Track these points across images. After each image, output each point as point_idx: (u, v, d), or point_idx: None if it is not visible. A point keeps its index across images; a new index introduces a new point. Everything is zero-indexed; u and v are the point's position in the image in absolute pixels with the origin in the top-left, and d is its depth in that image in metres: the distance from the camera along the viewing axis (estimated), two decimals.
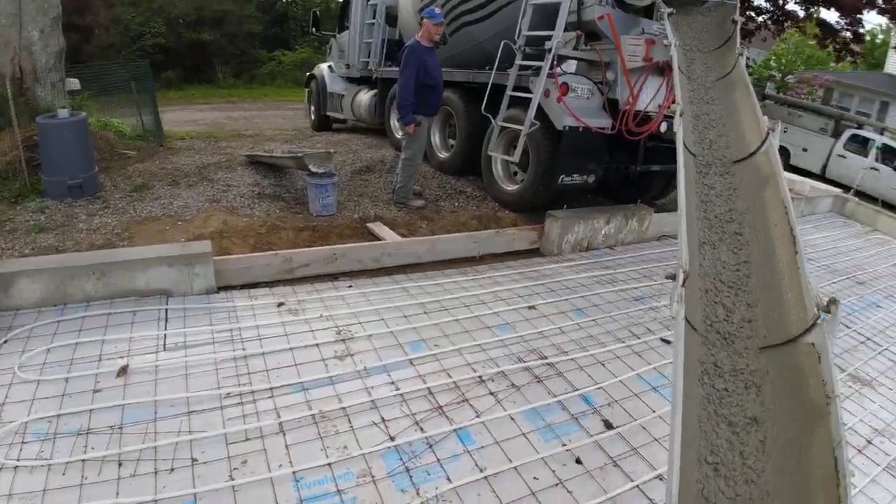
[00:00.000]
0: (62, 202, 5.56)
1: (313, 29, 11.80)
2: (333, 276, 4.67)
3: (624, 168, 6.12)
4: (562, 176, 5.65)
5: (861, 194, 10.72)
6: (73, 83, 8.54)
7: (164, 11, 22.58)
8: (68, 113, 5.73)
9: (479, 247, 5.34)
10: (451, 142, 7.49)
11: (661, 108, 5.78)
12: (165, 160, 7.52)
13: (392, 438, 2.85)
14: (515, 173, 6.43)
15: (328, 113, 11.57)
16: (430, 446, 2.83)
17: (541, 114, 5.50)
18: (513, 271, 5.07)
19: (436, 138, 7.60)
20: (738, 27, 5.08)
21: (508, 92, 5.87)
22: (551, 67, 5.36)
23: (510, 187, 6.35)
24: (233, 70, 24.97)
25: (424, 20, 5.74)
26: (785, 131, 16.44)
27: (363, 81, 10.27)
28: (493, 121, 6.16)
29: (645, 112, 5.74)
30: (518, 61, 5.82)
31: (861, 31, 15.39)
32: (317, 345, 3.59)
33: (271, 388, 3.12)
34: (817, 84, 20.59)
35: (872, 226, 8.76)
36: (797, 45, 23.32)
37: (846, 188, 10.79)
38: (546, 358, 3.73)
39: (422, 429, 2.95)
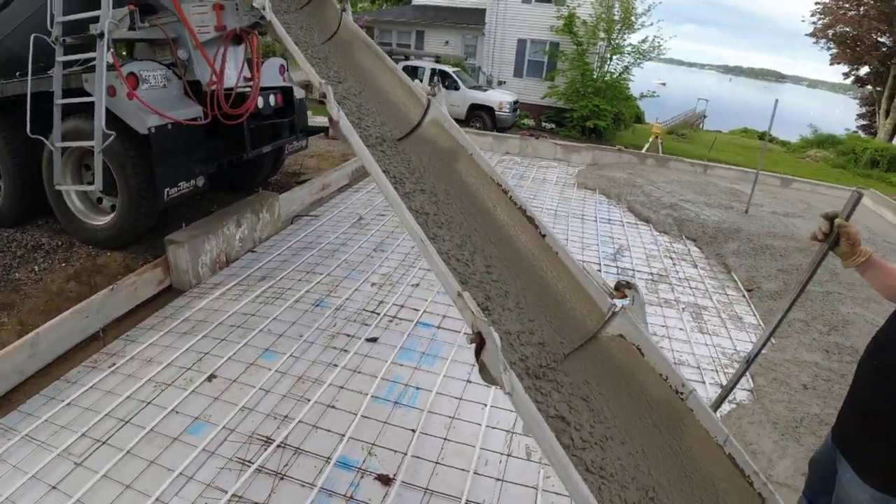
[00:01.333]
0: None
1: None
2: None
3: (235, 160, 5.19)
4: (166, 189, 4.47)
5: None
6: None
7: None
8: None
9: (96, 320, 3.94)
10: None
11: (254, 82, 5.04)
12: None
13: None
14: (100, 200, 4.94)
15: None
16: None
17: (112, 119, 4.19)
18: (157, 333, 3.90)
19: None
20: None
21: (58, 101, 4.32)
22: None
23: (100, 221, 4.85)
24: None
25: None
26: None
27: None
28: (47, 143, 4.51)
29: (236, 90, 4.92)
30: (59, 58, 4.29)
31: None
32: None
33: None
34: (360, 24, 21.82)
35: None
36: None
37: None
38: (279, 442, 2.87)
39: None
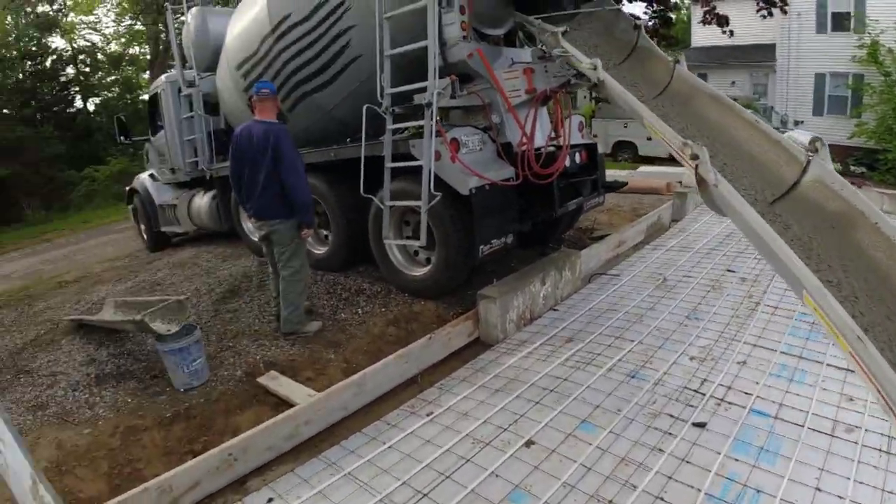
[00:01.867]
0: None
1: (121, 138, 10.01)
2: (241, 482, 3.25)
3: (544, 219, 5.20)
4: (481, 246, 4.62)
5: None
6: None
7: None
8: None
9: (414, 365, 4.14)
10: (325, 233, 6.23)
11: (563, 141, 5.06)
12: None
13: None
14: (416, 252, 5.32)
15: (163, 228, 9.78)
16: None
17: (436, 180, 4.47)
18: (470, 387, 3.91)
19: None
20: (642, 31, 4.48)
21: (388, 164, 4.78)
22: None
23: (417, 272, 5.21)
24: (42, 202, 21.79)
25: (261, 97, 4.53)
26: (625, 127, 16.93)
27: (197, 184, 8.71)
28: (376, 201, 5.02)
29: (545, 149, 4.96)
30: (389, 126, 4.77)
31: (671, 14, 16.10)
32: None
33: None
34: None
35: None
36: None
37: None
38: None
39: None
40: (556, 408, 3.52)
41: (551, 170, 4.85)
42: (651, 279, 5.67)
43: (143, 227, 10.34)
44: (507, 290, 4.61)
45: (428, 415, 3.64)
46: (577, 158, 5.43)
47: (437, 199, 4.39)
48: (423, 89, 4.49)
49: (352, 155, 5.24)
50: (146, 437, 3.64)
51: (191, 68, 8.01)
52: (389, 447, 3.36)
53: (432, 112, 4.37)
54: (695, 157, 2.47)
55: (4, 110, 22.73)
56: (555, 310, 5.06)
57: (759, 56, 18.41)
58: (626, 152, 17.43)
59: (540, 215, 5.09)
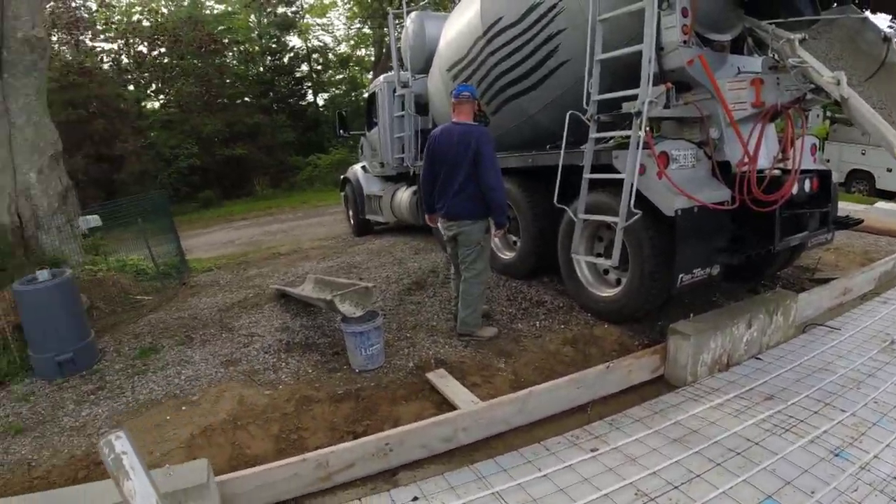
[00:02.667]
0: (51, 383, 4.51)
1: (341, 131, 10.97)
2: (392, 473, 3.25)
3: (759, 253, 4.52)
4: (681, 275, 4.16)
5: None
6: (92, 220, 7.72)
7: (196, 131, 22.51)
8: (49, 274, 4.68)
9: (586, 392, 3.83)
10: (514, 238, 6.13)
11: (793, 165, 4.40)
12: (183, 305, 6.44)
13: None
14: (606, 271, 4.98)
15: (368, 216, 10.56)
16: None
17: (637, 197, 4.11)
18: (645, 429, 3.52)
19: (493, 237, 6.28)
20: (893, 45, 3.75)
21: (587, 175, 4.51)
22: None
23: (605, 293, 4.86)
24: (270, 181, 24.74)
25: (460, 100, 4.57)
26: (863, 154, 14.77)
27: (401, 179, 9.23)
28: (570, 213, 4.79)
29: (770, 172, 4.34)
30: (593, 134, 4.51)
31: None
32: None
33: None
34: None
35: None
36: None
37: None
38: None
39: None
40: (740, 475, 3.01)
41: (775, 196, 4.22)
42: (876, 339, 4.71)
43: (350, 213, 11.29)
44: (705, 327, 4.09)
45: (592, 450, 3.33)
46: (807, 186, 4.67)
47: (636, 217, 4.03)
48: (634, 97, 4.15)
49: (549, 162, 5.06)
50: (317, 408, 3.81)
51: (406, 70, 8.45)
52: (544, 476, 3.12)
53: (641, 122, 4.02)
54: None
55: (246, 98, 26.27)
56: (758, 359, 4.41)
57: None
58: (861, 183, 15.09)
59: (755, 248, 4.43)
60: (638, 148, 4.05)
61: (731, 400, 3.81)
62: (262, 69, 27.87)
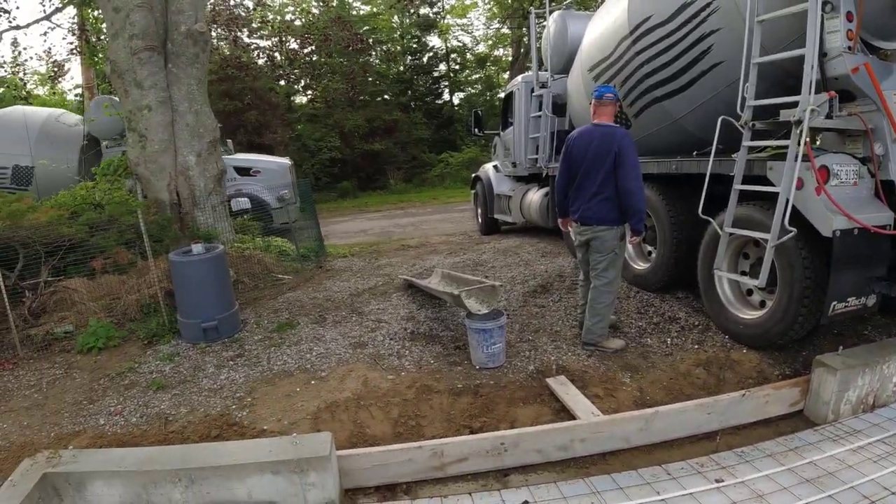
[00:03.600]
0: (195, 346, 4.97)
1: (475, 129, 11.07)
2: (503, 473, 3.23)
3: None
4: (833, 303, 3.76)
5: None
6: (243, 202, 8.39)
7: (338, 126, 23.83)
8: (203, 248, 5.14)
9: (716, 419, 3.57)
10: (649, 248, 5.85)
11: None
12: (319, 286, 6.82)
13: None
14: (750, 292, 4.61)
15: (496, 216, 10.60)
16: None
17: (791, 213, 3.75)
18: (776, 465, 3.22)
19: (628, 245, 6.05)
20: None
21: (737, 185, 4.20)
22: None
23: (747, 314, 4.49)
24: (404, 175, 25.58)
25: (603, 102, 4.43)
26: None
27: (532, 180, 9.15)
28: (714, 226, 4.49)
29: None
30: (746, 142, 4.19)
31: None
32: None
33: None
34: None
35: None
36: None
37: None
38: None
39: None
40: None
41: None
42: None
43: (479, 211, 11.39)
44: (854, 363, 3.66)
45: (717, 481, 3.10)
46: None
47: (790, 235, 3.68)
48: (794, 104, 3.79)
49: (695, 170, 4.78)
50: (436, 399, 3.87)
51: (545, 70, 8.36)
52: (662, 500, 2.95)
53: (802, 131, 3.67)
54: None
55: (385, 96, 27.29)
56: None
57: None
58: None
59: None
60: (797, 160, 3.70)
61: (873, 444, 3.41)
62: (402, 68, 28.87)
